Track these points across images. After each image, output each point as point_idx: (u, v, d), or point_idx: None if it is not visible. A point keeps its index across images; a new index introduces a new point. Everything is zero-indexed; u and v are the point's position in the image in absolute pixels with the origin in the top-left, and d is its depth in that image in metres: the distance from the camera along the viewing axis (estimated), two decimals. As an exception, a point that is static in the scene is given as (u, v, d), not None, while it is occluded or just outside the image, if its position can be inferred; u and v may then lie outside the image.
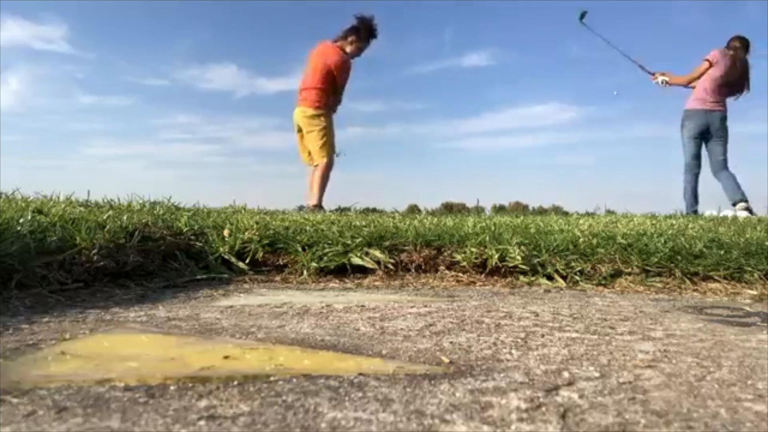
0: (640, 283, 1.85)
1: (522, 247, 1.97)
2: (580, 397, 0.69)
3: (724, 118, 5.10)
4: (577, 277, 1.87)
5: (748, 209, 4.74)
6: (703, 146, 5.15)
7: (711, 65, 5.08)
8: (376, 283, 1.81)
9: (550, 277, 1.88)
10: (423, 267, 1.97)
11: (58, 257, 1.48)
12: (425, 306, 1.38)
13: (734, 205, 4.81)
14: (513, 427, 0.59)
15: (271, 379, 0.74)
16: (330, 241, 1.98)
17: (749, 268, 1.89)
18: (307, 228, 2.18)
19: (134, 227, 1.81)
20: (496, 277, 1.91)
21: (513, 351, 0.93)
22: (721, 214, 4.61)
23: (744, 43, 5.16)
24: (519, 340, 1.02)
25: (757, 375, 0.81)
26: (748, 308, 1.48)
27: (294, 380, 0.74)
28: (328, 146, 4.63)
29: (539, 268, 1.91)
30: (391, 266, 1.92)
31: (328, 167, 4.63)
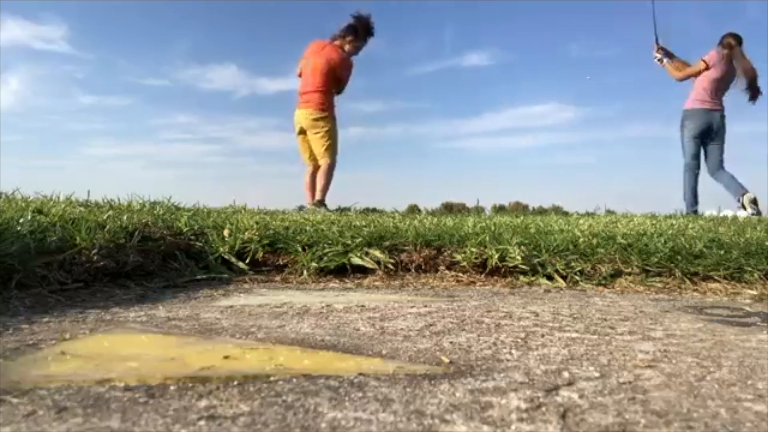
0: (640, 283, 1.85)
1: (522, 247, 1.97)
2: (580, 397, 0.69)
3: (723, 117, 5.18)
4: (577, 277, 1.87)
5: (755, 200, 4.77)
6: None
7: (707, 67, 5.12)
8: (376, 283, 1.81)
9: (550, 277, 1.88)
10: (423, 267, 1.97)
11: (58, 257, 1.48)
12: (425, 306, 1.38)
13: (742, 196, 4.83)
14: (513, 427, 0.59)
15: (271, 379, 0.74)
16: (330, 241, 1.98)
17: (749, 268, 1.89)
18: (307, 228, 2.18)
19: (134, 227, 1.81)
20: (496, 277, 1.91)
21: (513, 351, 0.93)
22: (721, 214, 4.62)
23: (738, 41, 5.19)
24: (519, 340, 1.02)
25: (757, 375, 0.81)
26: (748, 308, 1.48)
27: (294, 380, 0.74)
28: (333, 148, 4.71)
29: (539, 268, 1.91)
30: (391, 266, 1.92)
31: (333, 167, 4.70)
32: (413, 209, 5.29)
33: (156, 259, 1.77)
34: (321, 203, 4.56)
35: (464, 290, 1.71)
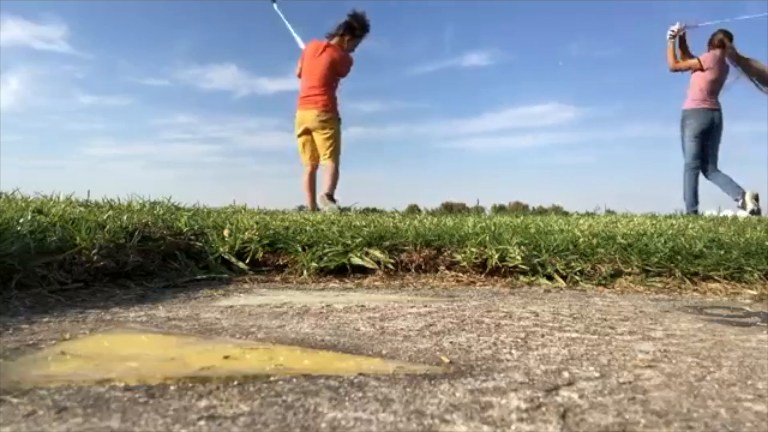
0: (640, 283, 1.84)
1: (522, 247, 1.97)
2: (580, 397, 0.69)
3: (721, 117, 5.25)
4: (577, 277, 1.87)
5: (756, 197, 4.80)
6: None
7: (701, 67, 5.16)
8: (376, 283, 1.81)
9: (550, 277, 1.88)
10: (423, 267, 1.97)
11: (58, 257, 1.48)
12: (425, 306, 1.38)
13: (743, 196, 4.85)
14: (513, 427, 0.59)
15: (271, 379, 0.74)
16: (330, 241, 1.98)
17: (749, 268, 1.89)
18: (307, 228, 2.18)
19: (134, 227, 1.81)
20: (496, 277, 1.91)
21: (513, 351, 0.93)
22: (721, 214, 4.63)
23: (729, 37, 5.22)
24: (519, 340, 1.02)
25: (757, 375, 0.81)
26: (748, 308, 1.48)
27: (294, 380, 0.74)
28: (338, 149, 4.82)
29: (539, 268, 1.91)
30: (391, 266, 1.92)
31: (338, 166, 4.80)
32: (413, 209, 5.30)
33: (156, 259, 1.77)
34: (331, 197, 4.64)
35: (464, 290, 1.71)
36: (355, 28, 4.85)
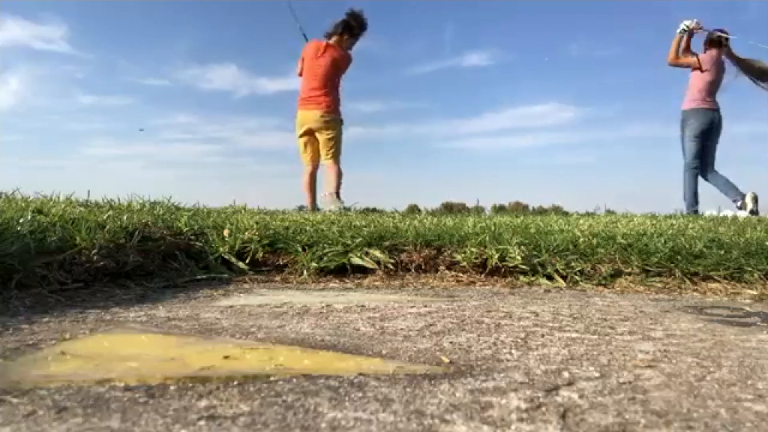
0: (640, 283, 1.84)
1: (522, 247, 1.97)
2: (580, 397, 0.69)
3: (721, 117, 5.28)
4: (577, 277, 1.87)
5: (756, 198, 4.83)
6: None
7: (700, 66, 5.17)
8: (376, 283, 1.81)
9: (550, 277, 1.88)
10: (423, 267, 1.97)
11: (58, 257, 1.48)
12: (425, 306, 1.38)
13: (742, 198, 4.88)
14: (513, 427, 0.59)
15: (271, 379, 0.74)
16: (330, 241, 1.98)
17: (749, 268, 1.89)
18: (307, 228, 2.18)
19: (134, 227, 1.81)
20: (496, 277, 1.91)
21: (513, 351, 0.93)
22: (721, 214, 4.63)
23: (724, 41, 5.23)
24: (519, 340, 1.02)
25: (757, 375, 0.81)
26: (748, 308, 1.48)
27: (294, 380, 0.74)
28: (340, 149, 4.86)
29: (539, 268, 1.91)
30: (391, 266, 1.92)
31: (339, 165, 4.84)
32: (413, 209, 5.29)
33: (156, 259, 1.77)
34: (336, 195, 4.68)
35: (464, 290, 1.71)
36: (353, 27, 4.88)
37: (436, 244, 2.05)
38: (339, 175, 4.76)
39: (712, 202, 5.35)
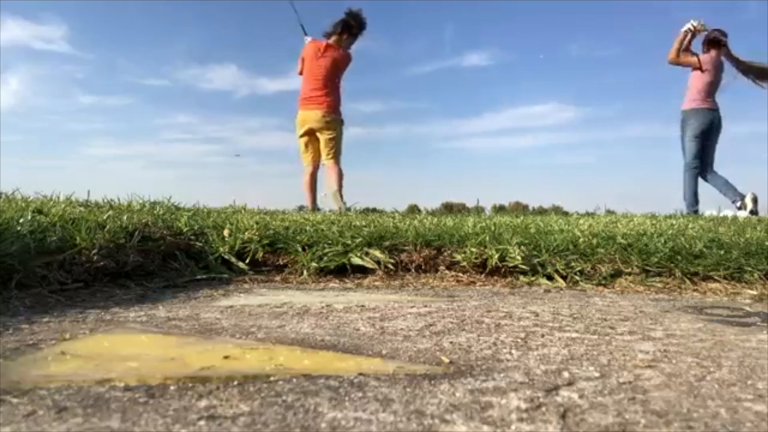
0: (640, 283, 1.84)
1: (522, 247, 1.97)
2: (580, 397, 0.69)
3: (720, 118, 5.30)
4: (577, 277, 1.87)
5: (755, 199, 4.84)
6: None
7: (700, 67, 5.18)
8: (376, 283, 1.81)
9: (550, 277, 1.88)
10: (423, 267, 1.97)
11: (58, 257, 1.48)
12: (425, 306, 1.38)
13: (741, 198, 4.89)
14: (513, 427, 0.59)
15: (271, 379, 0.74)
16: (330, 241, 1.98)
17: (749, 268, 1.89)
18: (307, 228, 2.18)
19: (134, 227, 1.81)
20: (496, 277, 1.91)
21: (513, 351, 0.93)
22: (721, 214, 4.64)
23: (724, 37, 5.24)
24: (519, 340, 1.02)
25: (757, 375, 0.81)
26: (748, 308, 1.48)
27: (294, 380, 0.74)
28: (340, 150, 4.88)
29: (539, 268, 1.91)
30: (391, 266, 1.92)
31: (340, 165, 4.86)
32: (413, 209, 5.29)
33: (156, 259, 1.77)
34: (340, 193, 4.70)
35: (464, 290, 1.71)
36: (352, 26, 4.89)
37: (436, 244, 2.05)
38: (340, 175, 4.77)
39: (712, 203, 5.36)
